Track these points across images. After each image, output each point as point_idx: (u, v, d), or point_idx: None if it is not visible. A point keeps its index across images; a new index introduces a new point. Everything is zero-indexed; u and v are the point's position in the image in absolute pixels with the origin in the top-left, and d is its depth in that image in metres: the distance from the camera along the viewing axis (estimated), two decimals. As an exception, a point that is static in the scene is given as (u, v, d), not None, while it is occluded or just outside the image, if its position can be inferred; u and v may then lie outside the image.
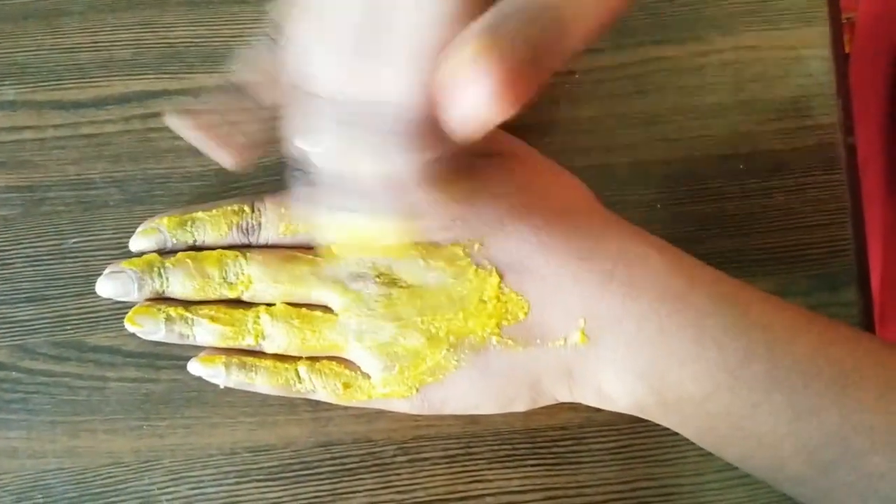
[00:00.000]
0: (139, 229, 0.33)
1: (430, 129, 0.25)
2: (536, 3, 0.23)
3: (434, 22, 0.23)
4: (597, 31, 0.25)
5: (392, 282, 0.32)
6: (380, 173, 0.26)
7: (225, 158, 0.29)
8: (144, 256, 0.33)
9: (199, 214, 0.33)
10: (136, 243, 0.33)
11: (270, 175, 0.36)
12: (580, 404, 0.33)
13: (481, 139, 0.32)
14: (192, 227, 0.33)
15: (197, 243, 0.33)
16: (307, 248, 0.33)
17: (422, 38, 0.24)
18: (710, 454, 0.33)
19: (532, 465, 0.35)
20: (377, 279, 0.32)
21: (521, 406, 0.33)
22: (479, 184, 0.32)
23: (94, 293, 0.33)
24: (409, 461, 0.35)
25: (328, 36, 0.25)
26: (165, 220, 0.33)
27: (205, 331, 0.32)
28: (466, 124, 0.24)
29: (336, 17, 0.24)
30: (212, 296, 0.33)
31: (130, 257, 0.33)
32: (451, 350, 0.32)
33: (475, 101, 0.23)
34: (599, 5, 0.24)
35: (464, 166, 0.32)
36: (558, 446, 0.35)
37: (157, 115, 0.36)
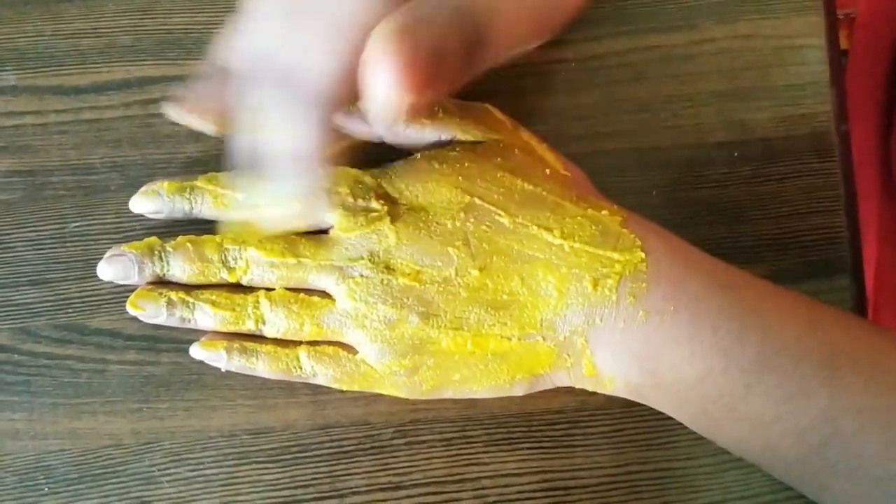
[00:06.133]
0: (141, 190, 0.34)
1: (342, 105, 0.26)
2: (460, 9, 0.25)
3: (362, 3, 0.24)
4: (516, 46, 0.26)
5: (390, 268, 0.32)
6: (287, 144, 0.27)
7: (208, 128, 0.31)
8: (145, 240, 0.33)
9: (200, 183, 0.33)
10: (136, 203, 0.34)
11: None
12: (575, 388, 0.33)
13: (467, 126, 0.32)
14: (190, 194, 0.33)
15: (194, 212, 0.33)
16: (309, 233, 0.33)
17: (349, 13, 0.24)
18: (703, 438, 0.33)
19: (528, 448, 0.35)
20: (375, 266, 0.32)
21: (519, 391, 0.33)
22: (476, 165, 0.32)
23: (96, 277, 0.33)
24: (406, 444, 0.35)
25: (265, 6, 0.26)
26: (166, 184, 0.33)
27: (205, 315, 0.33)
28: (376, 105, 0.24)
29: None
30: (212, 279, 0.33)
31: (131, 241, 0.33)
32: (451, 336, 0.32)
33: (382, 79, 0.24)
34: (519, 25, 0.26)
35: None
36: (553, 430, 0.35)
37: (157, 100, 0.36)
